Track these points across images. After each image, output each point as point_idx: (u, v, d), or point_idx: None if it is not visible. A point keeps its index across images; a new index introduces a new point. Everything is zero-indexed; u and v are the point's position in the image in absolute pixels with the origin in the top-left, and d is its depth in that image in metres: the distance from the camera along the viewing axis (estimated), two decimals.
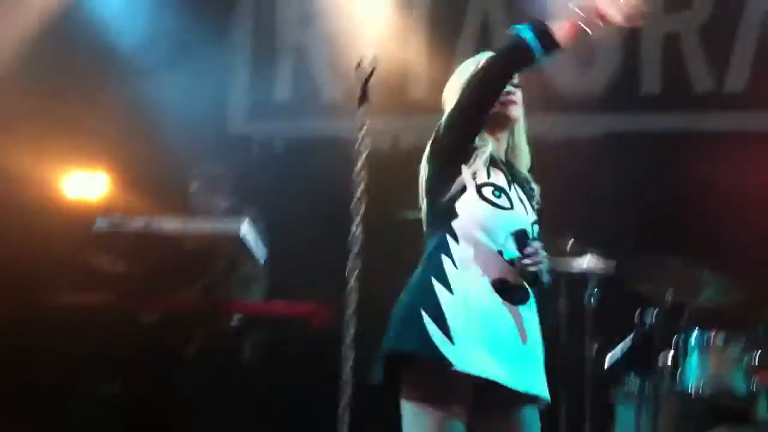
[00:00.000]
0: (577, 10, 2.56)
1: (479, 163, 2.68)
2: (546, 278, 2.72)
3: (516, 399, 2.61)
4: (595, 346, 4.60)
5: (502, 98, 2.70)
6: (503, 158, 2.79)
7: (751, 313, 4.50)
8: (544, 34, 2.58)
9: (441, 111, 5.91)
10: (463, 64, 2.84)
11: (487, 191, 2.66)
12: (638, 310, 4.49)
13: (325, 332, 4.74)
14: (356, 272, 3.30)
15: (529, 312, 2.67)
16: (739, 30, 5.62)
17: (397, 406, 2.61)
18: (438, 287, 2.60)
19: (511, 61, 2.65)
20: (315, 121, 6.31)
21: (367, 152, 3.37)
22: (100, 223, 5.11)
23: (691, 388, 4.30)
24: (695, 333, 4.37)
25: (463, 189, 2.67)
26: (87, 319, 4.96)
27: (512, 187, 2.72)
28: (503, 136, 2.80)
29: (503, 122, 2.77)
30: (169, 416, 4.95)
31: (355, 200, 3.32)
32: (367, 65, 3.34)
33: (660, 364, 4.41)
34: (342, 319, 3.37)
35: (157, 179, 5.80)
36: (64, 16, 5.97)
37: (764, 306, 4.47)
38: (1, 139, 5.51)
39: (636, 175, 5.48)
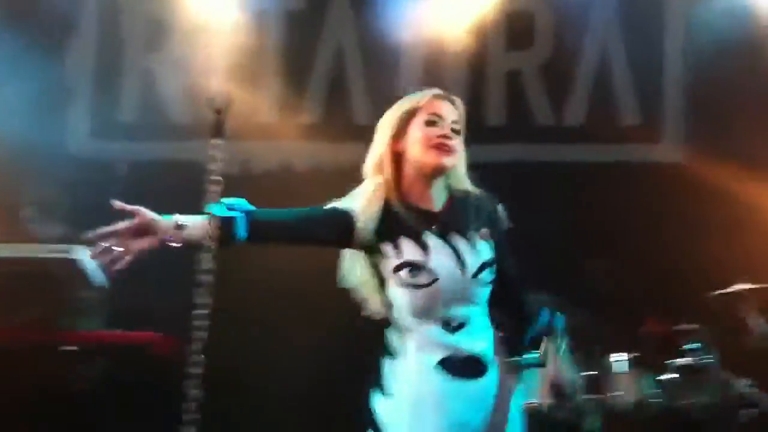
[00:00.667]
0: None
1: (382, 245, 2.46)
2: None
3: None
4: None
5: (434, 145, 2.49)
6: (428, 208, 2.52)
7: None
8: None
9: (292, 136, 6.01)
10: (404, 98, 2.63)
11: (403, 274, 2.44)
12: None
13: (166, 362, 4.61)
14: (205, 303, 3.19)
15: (482, 385, 2.46)
16: (578, 68, 5.93)
17: None
18: (375, 397, 2.48)
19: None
20: (161, 143, 6.15)
21: (220, 187, 3.28)
22: None
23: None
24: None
25: (384, 278, 2.49)
26: None
27: (434, 248, 2.45)
28: (432, 186, 2.53)
29: (435, 173, 2.52)
30: None
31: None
32: (220, 99, 3.23)
33: None
34: (186, 349, 3.24)
35: None
36: None
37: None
38: None
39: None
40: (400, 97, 2.58)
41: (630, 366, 4.29)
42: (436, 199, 2.55)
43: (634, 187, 5.53)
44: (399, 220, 2.48)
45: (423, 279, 2.43)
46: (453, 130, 2.55)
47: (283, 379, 5.25)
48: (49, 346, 4.80)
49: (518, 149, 5.90)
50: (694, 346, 4.31)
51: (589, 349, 4.44)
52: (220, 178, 3.18)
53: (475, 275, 2.47)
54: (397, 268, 2.45)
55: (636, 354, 4.33)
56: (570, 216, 5.40)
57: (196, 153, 5.21)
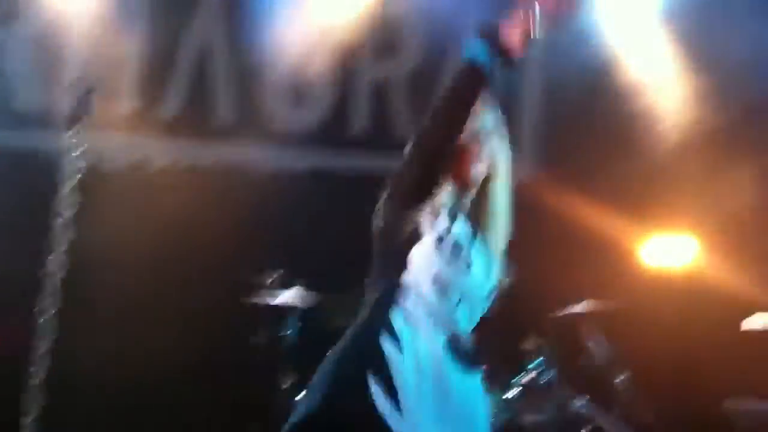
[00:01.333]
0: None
1: (441, 211, 2.42)
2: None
3: None
4: (291, 380, 4.62)
5: (462, 154, 2.44)
6: (470, 214, 2.51)
7: None
8: (497, 52, 2.29)
9: (148, 129, 5.83)
10: None
11: (446, 244, 2.40)
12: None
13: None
14: (52, 300, 3.07)
15: (475, 379, 2.44)
16: (441, 79, 6.02)
17: None
18: (386, 345, 2.31)
19: (472, 87, 2.33)
20: (7, 131, 5.76)
21: (79, 176, 3.14)
22: None
23: None
24: None
25: (418, 237, 2.39)
26: None
27: (474, 245, 2.46)
28: (469, 192, 2.51)
29: (464, 180, 2.49)
30: None
31: (60, 224, 3.06)
32: (83, 84, 3.07)
33: None
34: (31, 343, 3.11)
35: None
36: None
37: None
38: None
39: (340, 211, 5.64)
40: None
41: None
42: (467, 208, 2.57)
43: None
44: (451, 206, 2.47)
45: (461, 263, 2.41)
46: (480, 135, 2.50)
47: (139, 374, 5.12)
48: None
49: (381, 159, 5.93)
50: (537, 364, 4.43)
51: None
52: (77, 172, 3.06)
53: (490, 291, 2.51)
54: (442, 237, 2.39)
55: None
56: None
57: (49, 144, 5.09)
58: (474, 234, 2.49)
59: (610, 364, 4.51)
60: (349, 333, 2.44)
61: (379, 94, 6.03)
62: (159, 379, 5.12)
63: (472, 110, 2.35)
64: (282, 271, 4.77)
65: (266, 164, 5.85)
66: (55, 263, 3.13)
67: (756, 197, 5.21)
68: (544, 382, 4.36)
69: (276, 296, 4.71)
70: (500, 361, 4.25)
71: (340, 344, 2.43)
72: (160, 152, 5.81)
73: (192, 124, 5.83)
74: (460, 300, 2.40)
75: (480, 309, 2.49)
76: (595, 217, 5.39)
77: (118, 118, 5.72)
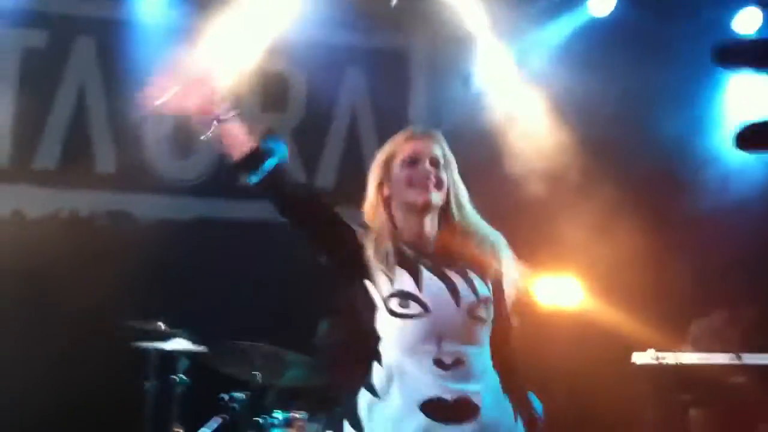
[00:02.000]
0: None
1: (376, 272, 2.39)
2: None
3: None
4: (181, 429, 4.45)
5: (416, 183, 2.48)
6: (422, 244, 2.47)
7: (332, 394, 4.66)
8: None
9: (22, 180, 5.58)
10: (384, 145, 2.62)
11: (394, 304, 2.36)
12: (225, 393, 4.44)
13: None
14: None
15: (473, 427, 2.33)
16: (327, 135, 6.06)
17: None
18: (346, 428, 2.34)
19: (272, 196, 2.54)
20: None
21: None
22: None
23: None
24: (278, 413, 4.40)
25: (375, 307, 2.40)
26: None
27: (427, 280, 2.39)
28: (424, 223, 2.50)
29: (423, 210, 2.50)
30: None
31: None
32: None
33: None
34: None
35: None
36: None
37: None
38: None
39: (229, 261, 5.52)
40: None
41: None
42: (430, 235, 2.50)
43: None
44: (393, 253, 2.43)
45: (414, 309, 2.34)
46: (433, 164, 2.52)
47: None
48: None
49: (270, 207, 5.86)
50: None
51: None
52: None
53: (470, 311, 2.39)
54: (388, 297, 2.36)
55: None
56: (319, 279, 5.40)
57: None
58: (438, 269, 2.44)
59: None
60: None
61: None
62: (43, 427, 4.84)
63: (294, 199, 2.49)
64: (167, 318, 4.62)
65: (150, 213, 5.70)
66: None
67: (636, 246, 5.39)
68: None
69: (164, 342, 4.54)
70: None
71: None
72: (37, 202, 5.57)
73: (70, 174, 5.63)
74: (438, 343, 2.34)
75: (474, 330, 2.40)
76: None
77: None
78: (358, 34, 6.14)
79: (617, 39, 5.88)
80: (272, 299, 5.36)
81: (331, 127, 6.07)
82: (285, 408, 4.41)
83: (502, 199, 5.69)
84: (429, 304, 2.36)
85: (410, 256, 2.44)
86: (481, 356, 2.40)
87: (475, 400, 2.33)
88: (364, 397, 2.36)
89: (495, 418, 2.37)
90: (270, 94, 6.05)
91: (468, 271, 2.45)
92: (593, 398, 4.97)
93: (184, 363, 4.62)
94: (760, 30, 5.87)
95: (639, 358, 4.50)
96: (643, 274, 5.26)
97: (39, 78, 5.72)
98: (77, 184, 5.68)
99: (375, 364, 2.36)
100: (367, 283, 2.40)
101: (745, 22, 5.99)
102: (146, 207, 5.76)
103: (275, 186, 2.45)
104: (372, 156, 5.74)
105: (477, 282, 2.44)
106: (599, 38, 5.93)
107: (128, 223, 5.68)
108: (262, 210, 5.74)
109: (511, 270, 2.52)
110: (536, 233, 4.99)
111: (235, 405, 4.41)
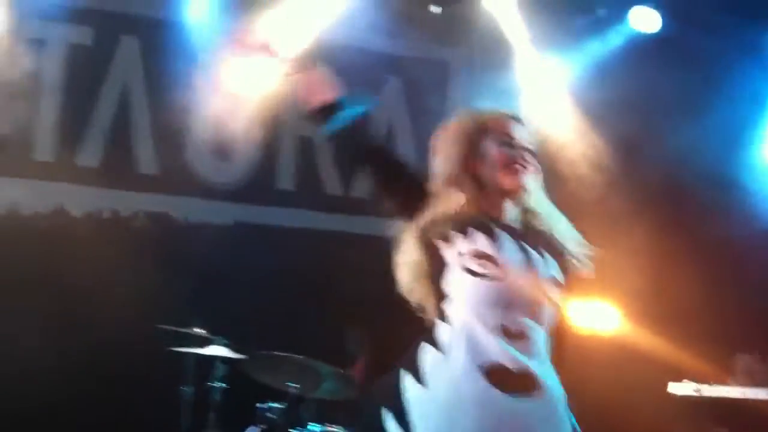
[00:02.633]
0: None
1: (449, 230, 2.34)
2: None
3: None
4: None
5: (510, 166, 2.43)
6: (508, 222, 2.44)
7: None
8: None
9: (65, 177, 5.64)
10: (465, 114, 2.56)
11: (471, 261, 2.30)
12: (262, 402, 4.49)
13: None
14: None
15: (535, 404, 2.27)
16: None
17: None
18: (407, 379, 2.28)
19: (349, 147, 2.53)
20: None
21: None
22: None
23: None
24: (314, 426, 4.44)
25: (446, 264, 2.34)
26: None
27: (507, 250, 2.34)
28: (506, 205, 2.46)
29: (511, 194, 2.46)
30: None
31: None
32: None
33: None
34: None
35: None
36: None
37: None
38: None
39: (265, 266, 5.57)
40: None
41: None
42: (511, 216, 2.47)
43: None
44: (472, 217, 2.39)
45: (491, 270, 2.29)
46: (526, 150, 2.48)
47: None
48: None
49: (305, 216, 5.93)
50: None
51: None
52: None
53: (544, 288, 2.35)
54: (464, 255, 2.30)
55: None
56: (352, 286, 5.45)
57: None
58: (513, 238, 2.40)
59: None
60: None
61: (305, 151, 6.01)
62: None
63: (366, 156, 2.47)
64: (203, 324, 4.67)
65: (190, 216, 5.76)
66: None
67: (670, 270, 5.36)
68: None
69: (201, 347, 4.58)
70: None
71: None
72: (79, 200, 5.62)
73: (113, 173, 5.68)
74: (509, 310, 2.30)
75: (542, 308, 2.35)
76: None
77: (34, 165, 5.53)
78: (399, 43, 6.15)
79: (661, 56, 5.84)
80: (306, 306, 5.40)
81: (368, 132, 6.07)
82: (320, 421, 4.45)
83: None
84: (506, 268, 2.32)
85: (489, 223, 2.41)
86: (542, 337, 2.36)
87: (537, 376, 2.30)
88: (427, 351, 2.31)
89: (556, 400, 2.32)
90: None
91: (544, 251, 2.43)
92: (626, 425, 4.97)
93: (221, 369, 4.65)
94: None
95: (675, 388, 4.49)
96: (683, 301, 5.23)
97: (84, 75, 5.74)
98: (119, 184, 5.72)
99: (439, 322, 2.33)
100: (437, 241, 2.36)
101: None
102: (186, 209, 5.80)
103: (352, 137, 2.46)
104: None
105: (552, 264, 2.42)
106: (642, 54, 5.90)
107: (167, 226, 5.72)
108: (298, 217, 5.91)
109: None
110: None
111: (273, 415, 4.45)
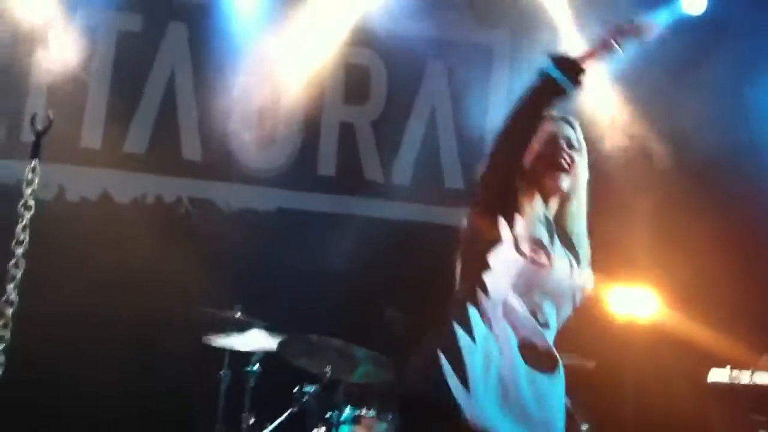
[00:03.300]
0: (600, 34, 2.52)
1: (520, 214, 2.46)
2: None
3: None
4: (252, 419, 4.56)
5: (552, 165, 2.54)
6: (551, 218, 2.57)
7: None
8: (568, 69, 2.47)
9: (112, 163, 5.76)
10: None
11: (525, 246, 2.44)
12: (297, 386, 4.54)
13: None
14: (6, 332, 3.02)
15: (552, 383, 2.45)
16: (405, 129, 6.07)
17: None
18: (460, 332, 2.40)
19: (542, 92, 2.48)
20: None
21: (31, 213, 3.13)
22: None
23: None
24: (347, 409, 4.48)
25: (499, 239, 2.45)
26: None
27: (555, 245, 2.50)
28: (553, 201, 2.59)
29: (549, 190, 2.57)
30: None
31: (13, 261, 3.05)
32: (41, 120, 3.13)
33: None
34: None
35: None
36: None
37: None
38: None
39: (305, 252, 5.62)
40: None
41: None
42: (552, 209, 2.60)
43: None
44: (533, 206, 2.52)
45: (543, 260, 2.44)
46: (573, 148, 2.59)
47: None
48: None
49: (346, 201, 5.97)
50: None
51: None
52: (32, 203, 3.05)
53: (576, 289, 2.52)
54: (522, 239, 2.43)
55: None
56: (391, 271, 5.48)
57: (8, 175, 5.01)
58: (557, 236, 2.53)
59: (572, 414, 4.48)
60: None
61: (346, 137, 6.04)
62: (115, 411, 5.06)
63: (541, 108, 2.48)
64: (244, 309, 4.73)
65: (232, 202, 5.83)
66: (12, 294, 3.08)
67: (711, 256, 5.27)
68: None
69: (239, 334, 4.65)
70: None
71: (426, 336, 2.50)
72: (124, 186, 5.73)
73: (158, 159, 5.78)
74: (542, 298, 2.46)
75: (566, 308, 2.52)
76: None
77: (81, 151, 5.66)
78: (440, 27, 6.11)
79: (710, 38, 5.71)
80: (349, 291, 5.43)
81: (410, 121, 6.08)
82: (354, 404, 4.48)
83: None
84: (554, 259, 2.47)
85: (545, 214, 2.55)
86: (554, 331, 2.52)
87: (558, 357, 2.47)
88: (474, 311, 2.44)
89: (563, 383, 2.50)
90: (352, 86, 6.07)
91: (579, 254, 2.58)
92: (664, 410, 4.91)
93: (258, 353, 4.71)
94: None
95: (715, 375, 4.42)
96: (722, 287, 5.15)
97: (133, 62, 5.83)
98: (164, 170, 5.82)
99: (479, 291, 2.44)
100: (500, 218, 2.46)
101: None
102: (228, 196, 5.87)
103: (546, 94, 2.48)
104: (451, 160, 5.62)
105: (585, 269, 2.56)
106: (690, 37, 5.77)
107: (211, 211, 5.80)
108: (339, 203, 5.93)
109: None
110: (612, 241, 4.94)
111: (307, 398, 4.50)
